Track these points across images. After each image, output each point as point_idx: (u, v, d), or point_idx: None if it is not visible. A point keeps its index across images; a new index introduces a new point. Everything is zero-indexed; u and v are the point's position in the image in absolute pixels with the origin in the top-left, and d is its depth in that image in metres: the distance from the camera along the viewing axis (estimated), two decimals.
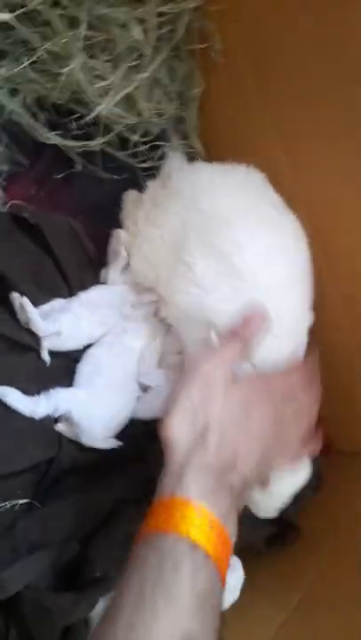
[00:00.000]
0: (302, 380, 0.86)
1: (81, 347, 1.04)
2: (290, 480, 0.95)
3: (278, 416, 0.77)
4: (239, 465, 0.69)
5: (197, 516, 0.60)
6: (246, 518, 0.96)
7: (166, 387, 1.05)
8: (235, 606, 0.94)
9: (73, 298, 1.05)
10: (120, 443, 1.01)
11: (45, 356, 0.99)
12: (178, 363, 1.07)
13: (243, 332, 0.85)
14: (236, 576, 0.96)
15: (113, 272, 1.08)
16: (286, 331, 0.93)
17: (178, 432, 0.69)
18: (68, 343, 1.02)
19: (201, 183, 0.98)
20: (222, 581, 0.62)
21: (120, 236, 1.07)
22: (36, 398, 0.94)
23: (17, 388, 0.95)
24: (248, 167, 1.02)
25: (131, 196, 1.14)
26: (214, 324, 0.90)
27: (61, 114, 1.04)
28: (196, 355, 0.86)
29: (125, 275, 1.08)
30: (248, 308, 0.88)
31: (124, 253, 1.05)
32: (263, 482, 0.83)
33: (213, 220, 0.93)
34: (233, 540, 0.68)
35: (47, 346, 0.99)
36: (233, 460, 0.68)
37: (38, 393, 0.96)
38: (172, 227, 0.98)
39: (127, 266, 1.08)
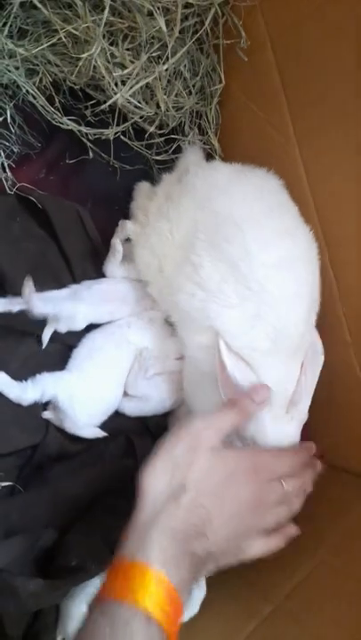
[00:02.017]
0: (293, 466, 0.81)
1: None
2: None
3: (260, 497, 0.74)
4: (208, 535, 0.66)
5: (155, 585, 0.58)
6: None
7: (154, 394, 1.05)
8: (204, 613, 0.94)
9: (82, 287, 1.04)
10: (104, 433, 1.01)
11: (45, 339, 0.99)
12: (177, 367, 1.06)
13: (245, 404, 0.82)
14: (198, 590, 0.95)
15: (111, 265, 1.07)
16: (289, 346, 0.91)
17: (153, 485, 0.67)
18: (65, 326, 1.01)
19: (218, 183, 0.96)
20: None
21: (126, 226, 1.06)
22: (23, 384, 0.94)
23: (10, 372, 0.95)
24: (267, 172, 0.99)
25: (143, 187, 1.13)
26: (217, 329, 0.89)
27: (77, 99, 1.02)
28: (194, 416, 0.83)
29: (125, 269, 1.07)
30: (255, 385, 0.85)
31: (119, 247, 1.04)
32: (236, 556, 0.77)
33: (226, 223, 0.91)
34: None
35: (49, 332, 0.99)
36: (202, 527, 0.66)
37: (33, 376, 0.96)
38: (183, 224, 0.96)
39: (125, 260, 1.06)
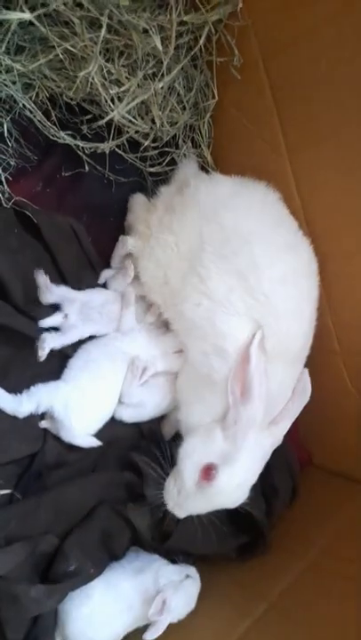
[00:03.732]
0: None
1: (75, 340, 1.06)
2: None
3: None
4: None
5: None
6: (214, 533, 0.99)
7: (149, 399, 1.07)
8: (198, 612, 0.97)
9: (78, 294, 1.06)
10: (99, 442, 1.03)
11: (42, 351, 1.01)
12: (178, 361, 1.08)
13: None
14: (194, 586, 0.98)
15: (118, 284, 1.10)
16: (288, 358, 0.94)
17: None
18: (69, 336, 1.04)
19: (221, 197, 0.98)
20: None
21: (127, 242, 1.08)
22: (18, 397, 0.95)
23: (9, 381, 0.97)
24: (267, 186, 1.01)
25: (138, 199, 1.15)
26: (223, 335, 0.92)
27: (73, 113, 1.04)
28: None
29: (129, 286, 1.09)
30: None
31: (131, 272, 1.06)
32: None
33: (234, 237, 0.94)
34: None
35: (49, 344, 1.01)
36: None
37: (29, 388, 0.98)
38: (188, 236, 0.98)
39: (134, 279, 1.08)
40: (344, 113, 0.92)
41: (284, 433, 0.95)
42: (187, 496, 0.89)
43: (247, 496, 0.92)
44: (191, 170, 1.11)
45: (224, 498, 0.90)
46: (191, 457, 0.91)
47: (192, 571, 1.00)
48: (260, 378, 0.87)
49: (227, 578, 1.08)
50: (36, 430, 1.01)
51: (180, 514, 0.91)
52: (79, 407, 1.00)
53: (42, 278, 1.00)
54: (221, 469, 0.87)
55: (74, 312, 1.04)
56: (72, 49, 0.92)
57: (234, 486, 0.89)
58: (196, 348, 0.99)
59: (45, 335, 1.00)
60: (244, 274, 0.91)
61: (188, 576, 0.98)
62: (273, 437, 0.93)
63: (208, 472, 0.88)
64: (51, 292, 1.01)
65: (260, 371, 0.87)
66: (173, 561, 1.01)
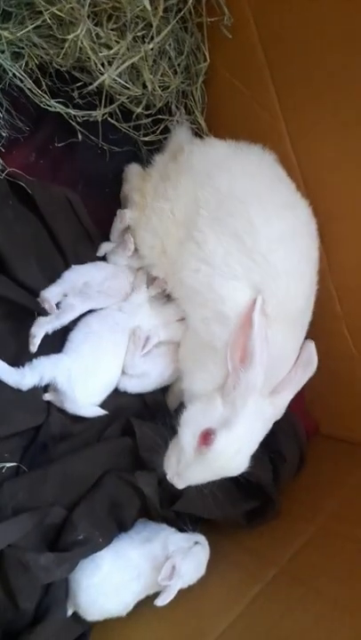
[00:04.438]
0: None
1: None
2: None
3: None
4: None
5: None
6: (223, 494, 0.99)
7: (152, 369, 1.07)
8: (207, 580, 0.97)
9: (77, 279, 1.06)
10: (105, 411, 1.03)
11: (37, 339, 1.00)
12: (179, 330, 1.07)
13: None
14: (203, 552, 0.98)
15: (118, 258, 1.09)
16: (288, 320, 0.92)
17: None
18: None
19: (216, 160, 0.97)
20: None
21: (125, 216, 1.06)
22: (21, 370, 0.95)
23: (8, 354, 0.97)
24: (262, 148, 1.00)
25: (133, 168, 1.13)
26: (223, 299, 0.91)
27: (64, 81, 1.03)
28: None
29: (129, 259, 1.08)
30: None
31: (131, 245, 1.05)
32: None
33: (229, 198, 0.92)
34: None
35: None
36: None
37: (31, 361, 0.97)
38: (184, 202, 0.97)
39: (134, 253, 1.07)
40: (338, 69, 0.90)
41: (286, 404, 0.94)
42: (186, 464, 0.88)
43: (247, 465, 0.90)
44: (184, 136, 1.09)
45: (223, 464, 0.89)
46: (190, 424, 0.90)
47: (201, 538, 1.00)
48: (262, 344, 0.86)
49: (236, 545, 1.08)
50: (40, 402, 1.00)
51: (180, 484, 0.90)
52: (82, 379, 0.99)
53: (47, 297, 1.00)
54: (220, 433, 0.86)
55: (74, 293, 1.04)
56: (59, 13, 0.90)
57: (233, 452, 0.88)
58: (196, 314, 0.98)
59: (39, 320, 0.99)
60: (240, 235, 0.90)
61: (196, 543, 0.98)
62: (274, 407, 0.92)
63: (207, 437, 0.87)
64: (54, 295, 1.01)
65: (261, 336, 0.86)
66: (182, 530, 1.01)
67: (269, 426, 0.93)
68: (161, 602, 0.91)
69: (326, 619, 0.87)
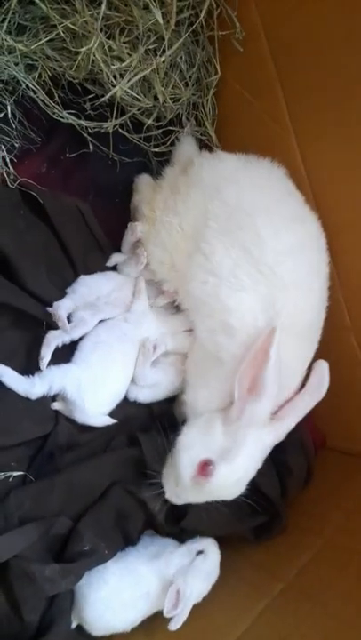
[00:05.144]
0: None
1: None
2: None
3: None
4: None
5: None
6: (229, 509, 0.98)
7: (163, 379, 1.07)
8: (214, 594, 0.95)
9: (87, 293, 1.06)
10: (114, 420, 1.03)
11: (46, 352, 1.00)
12: (187, 340, 1.07)
13: None
14: (208, 561, 0.97)
15: (130, 270, 1.09)
16: (299, 333, 0.92)
17: None
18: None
19: (224, 173, 0.97)
20: None
21: (136, 229, 1.07)
22: (31, 379, 0.95)
23: (17, 362, 0.97)
24: (271, 162, 1.00)
25: (144, 179, 1.14)
26: (229, 311, 0.90)
27: (76, 93, 1.04)
28: None
29: (141, 272, 1.09)
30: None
31: (144, 260, 1.05)
32: None
33: (237, 211, 0.92)
34: None
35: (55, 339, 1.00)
36: None
37: (40, 369, 0.97)
38: (193, 215, 0.97)
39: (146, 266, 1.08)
40: (348, 81, 0.90)
41: (288, 431, 0.90)
42: (183, 488, 0.88)
43: (245, 489, 0.89)
44: (190, 148, 1.10)
45: (221, 492, 0.88)
46: (188, 451, 0.89)
47: (205, 543, 0.98)
48: (275, 378, 0.84)
49: (242, 559, 1.07)
50: (48, 411, 1.00)
51: (178, 502, 0.90)
52: (91, 388, 0.99)
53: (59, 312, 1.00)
54: (219, 466, 0.85)
55: (84, 306, 1.04)
56: (73, 26, 0.91)
57: (231, 483, 0.87)
58: (203, 325, 0.98)
59: (47, 339, 0.99)
60: (247, 247, 0.90)
61: (199, 552, 0.97)
62: (275, 434, 0.89)
63: (205, 468, 0.85)
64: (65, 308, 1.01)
65: (276, 371, 0.83)
66: (184, 540, 1.00)
67: (269, 451, 0.91)
68: (174, 626, 0.89)
69: (333, 634, 0.85)
